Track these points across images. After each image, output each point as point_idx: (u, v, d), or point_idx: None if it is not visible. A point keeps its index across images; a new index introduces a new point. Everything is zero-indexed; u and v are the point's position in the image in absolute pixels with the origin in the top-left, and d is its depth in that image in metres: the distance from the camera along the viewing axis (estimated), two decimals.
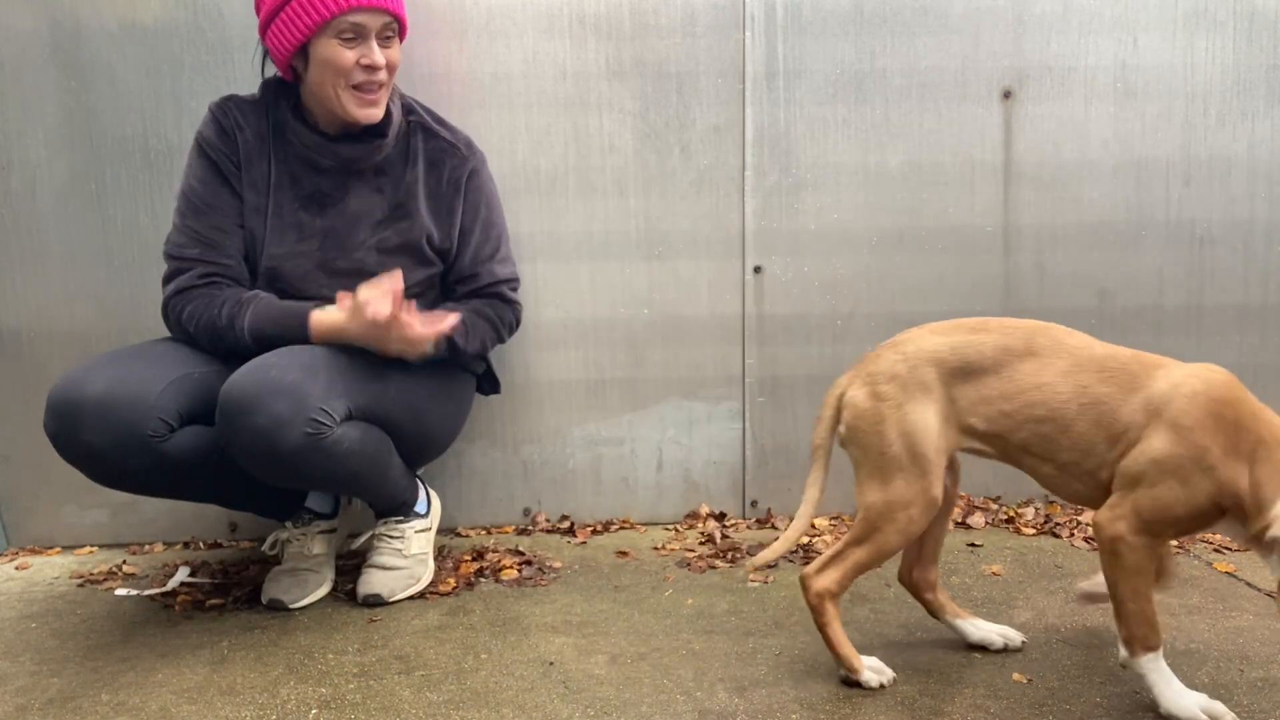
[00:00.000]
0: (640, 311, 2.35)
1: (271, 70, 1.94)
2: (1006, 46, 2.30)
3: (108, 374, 1.70)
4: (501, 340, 2.09)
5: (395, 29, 1.87)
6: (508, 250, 2.10)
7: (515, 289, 2.10)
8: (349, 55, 1.81)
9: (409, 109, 2.00)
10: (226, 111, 1.91)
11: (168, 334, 1.94)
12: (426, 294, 2.04)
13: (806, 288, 2.36)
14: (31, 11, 2.16)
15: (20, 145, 2.21)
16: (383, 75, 1.85)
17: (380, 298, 1.75)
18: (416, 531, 2.03)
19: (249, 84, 2.15)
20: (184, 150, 2.20)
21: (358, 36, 1.81)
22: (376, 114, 1.88)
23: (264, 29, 1.85)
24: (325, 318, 1.83)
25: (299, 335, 1.82)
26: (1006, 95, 2.32)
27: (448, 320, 1.84)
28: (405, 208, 1.96)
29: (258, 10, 1.86)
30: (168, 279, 1.89)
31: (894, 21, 2.28)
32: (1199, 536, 2.21)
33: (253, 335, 1.82)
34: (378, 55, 1.83)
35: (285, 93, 1.92)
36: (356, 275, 1.92)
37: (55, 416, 1.68)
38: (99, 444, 1.67)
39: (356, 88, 1.83)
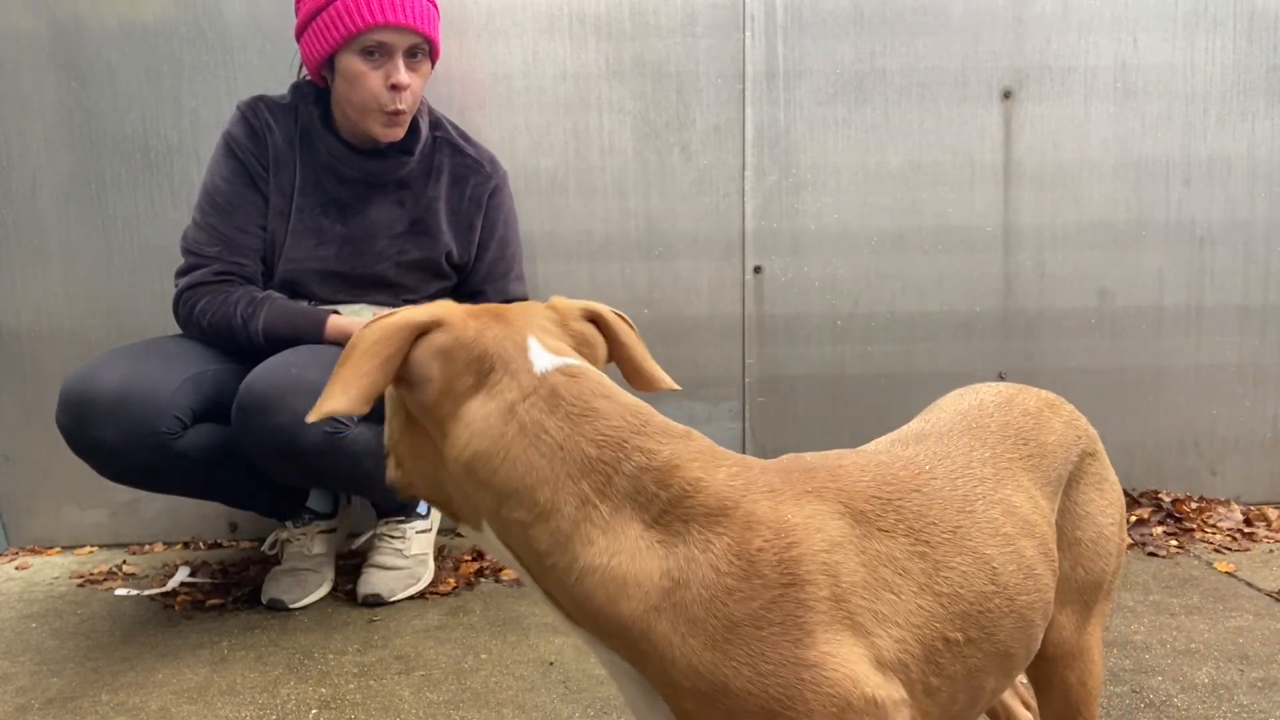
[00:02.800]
0: (640, 311, 2.35)
1: (304, 73, 1.92)
2: (1006, 46, 2.30)
3: (122, 370, 1.69)
4: None
5: (425, 50, 1.84)
6: (520, 269, 2.10)
7: None
8: (373, 75, 1.78)
9: (436, 124, 1.98)
10: (257, 112, 1.89)
11: (175, 331, 1.94)
12: None
13: (806, 288, 2.36)
14: (31, 11, 2.16)
15: (20, 145, 2.20)
16: (407, 97, 1.81)
17: None
18: (417, 532, 2.03)
19: (249, 84, 2.15)
20: (184, 150, 2.21)
21: (382, 55, 1.78)
22: (398, 134, 1.87)
23: (299, 34, 1.84)
24: (343, 325, 1.83)
25: (313, 339, 1.82)
26: (1006, 95, 2.32)
27: None
28: (425, 223, 1.95)
29: (296, 12, 1.84)
30: (182, 273, 1.88)
31: (894, 21, 2.28)
32: (1198, 536, 2.21)
33: (266, 335, 1.82)
34: (403, 75, 1.79)
35: (315, 98, 1.90)
36: (373, 285, 1.93)
37: (68, 411, 1.67)
38: (111, 439, 1.67)
39: (379, 108, 1.81)
